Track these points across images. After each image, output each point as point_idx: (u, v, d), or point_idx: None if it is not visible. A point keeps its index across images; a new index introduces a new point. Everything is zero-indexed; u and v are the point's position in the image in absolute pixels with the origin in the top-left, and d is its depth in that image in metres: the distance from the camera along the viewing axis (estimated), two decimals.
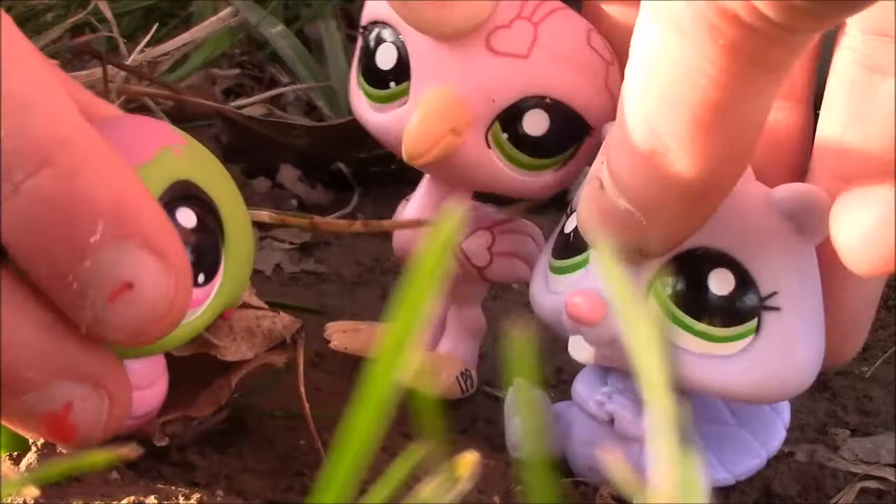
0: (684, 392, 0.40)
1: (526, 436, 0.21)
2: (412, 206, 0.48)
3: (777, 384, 0.39)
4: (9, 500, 0.36)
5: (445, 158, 0.43)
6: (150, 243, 0.32)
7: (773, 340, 0.38)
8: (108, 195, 0.32)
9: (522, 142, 0.43)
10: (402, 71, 0.44)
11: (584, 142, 0.44)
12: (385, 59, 0.44)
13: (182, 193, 0.37)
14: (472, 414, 0.48)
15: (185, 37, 0.70)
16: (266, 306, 0.45)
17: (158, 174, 0.36)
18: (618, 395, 0.41)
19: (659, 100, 0.34)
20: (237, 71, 0.78)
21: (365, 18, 0.45)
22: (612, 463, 0.22)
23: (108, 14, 0.68)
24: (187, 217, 0.37)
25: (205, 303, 0.38)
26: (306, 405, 0.42)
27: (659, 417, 0.19)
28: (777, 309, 0.38)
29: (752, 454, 0.42)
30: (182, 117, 0.67)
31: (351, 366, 0.49)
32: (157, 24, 0.71)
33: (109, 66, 0.61)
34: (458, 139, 0.42)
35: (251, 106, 0.72)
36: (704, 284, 0.38)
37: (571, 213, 0.42)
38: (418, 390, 0.21)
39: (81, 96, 0.39)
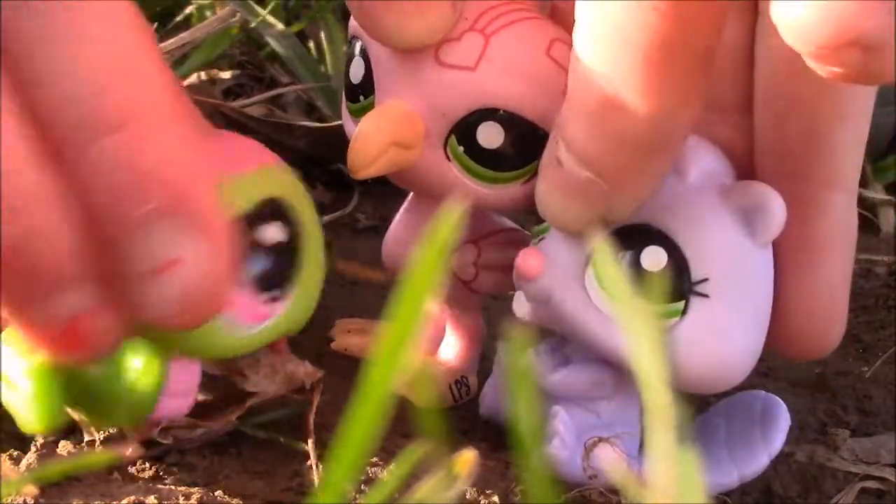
0: (612, 361, 0.41)
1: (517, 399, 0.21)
2: (401, 216, 0.48)
3: (696, 371, 0.39)
4: (9, 500, 0.36)
5: (404, 172, 0.43)
6: (202, 226, 0.33)
7: (697, 326, 0.39)
8: (170, 172, 0.32)
9: (480, 155, 0.42)
10: (369, 84, 0.43)
11: None
12: (355, 72, 0.44)
13: (274, 209, 0.38)
14: (472, 414, 0.48)
15: (184, 36, 0.70)
16: (290, 353, 0.45)
17: (258, 185, 0.38)
18: (544, 352, 0.43)
19: (612, 45, 0.35)
20: (237, 71, 0.78)
21: (349, 32, 0.45)
22: (610, 462, 0.23)
23: None
24: (275, 232, 0.38)
25: (267, 320, 0.38)
26: (311, 442, 0.42)
27: (657, 417, 0.19)
28: (705, 296, 0.39)
29: (724, 474, 0.42)
30: None
31: (351, 365, 0.49)
32: (156, 23, 0.71)
33: None
34: (407, 153, 0.42)
35: (251, 106, 0.72)
36: (637, 259, 0.39)
37: None
38: (410, 398, 0.21)
39: None
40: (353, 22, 0.44)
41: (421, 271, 0.20)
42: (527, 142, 0.42)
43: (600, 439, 0.41)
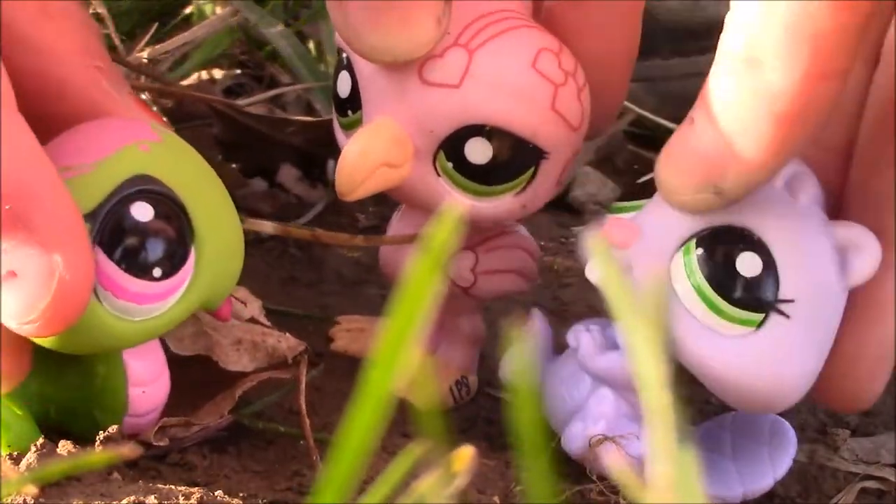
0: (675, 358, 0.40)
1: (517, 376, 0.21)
2: (395, 226, 0.48)
3: (756, 386, 0.39)
4: (9, 500, 0.36)
5: (395, 190, 0.42)
6: (37, 236, 0.34)
7: (770, 342, 0.39)
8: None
9: (468, 170, 0.42)
10: (356, 99, 0.43)
11: (541, 165, 0.43)
12: (342, 87, 0.44)
13: (140, 187, 0.38)
14: (473, 414, 0.48)
15: (184, 36, 0.70)
16: (272, 326, 0.45)
17: (116, 168, 0.37)
18: (596, 332, 0.42)
19: (761, 10, 0.35)
20: (237, 70, 0.78)
21: (335, 43, 0.45)
22: (613, 461, 0.23)
23: (105, 13, 0.68)
24: (143, 211, 0.37)
25: (170, 297, 0.38)
26: (307, 424, 0.42)
27: (657, 419, 0.19)
28: (786, 315, 0.39)
29: (729, 488, 0.42)
30: (181, 117, 0.67)
31: (351, 365, 0.49)
32: (156, 23, 0.71)
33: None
34: (395, 172, 0.42)
35: (251, 106, 0.72)
36: (733, 260, 0.39)
37: None
38: (410, 399, 0.21)
39: (98, 91, 0.40)
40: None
41: (419, 275, 0.20)
42: (515, 155, 0.42)
43: (605, 438, 0.41)
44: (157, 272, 0.38)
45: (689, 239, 0.40)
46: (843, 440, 0.49)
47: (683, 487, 0.19)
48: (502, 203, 0.43)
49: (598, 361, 0.42)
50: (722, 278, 0.39)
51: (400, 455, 0.22)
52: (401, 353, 0.20)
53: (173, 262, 0.38)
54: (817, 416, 0.51)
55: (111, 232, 0.37)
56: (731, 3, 0.37)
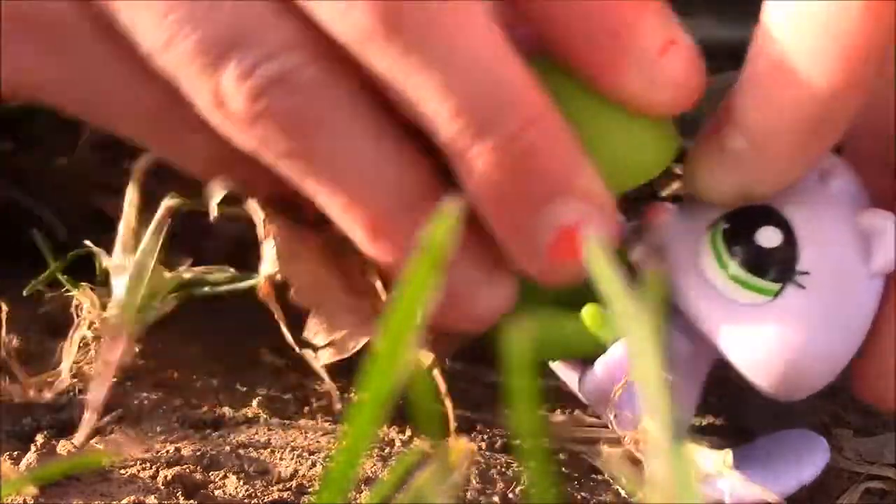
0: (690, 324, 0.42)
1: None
2: None
3: (773, 354, 0.40)
4: (9, 500, 0.36)
5: None
6: (591, 197, 0.38)
7: (785, 311, 0.40)
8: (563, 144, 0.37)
9: None
10: None
11: None
12: None
13: None
14: (472, 413, 0.48)
15: None
16: None
17: None
18: None
19: (793, 24, 0.37)
20: None
21: None
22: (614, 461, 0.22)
23: None
24: None
25: None
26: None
27: (656, 416, 0.19)
28: (802, 286, 0.40)
29: (785, 482, 0.42)
30: None
31: (351, 365, 0.49)
32: None
33: None
34: None
35: None
36: (754, 232, 0.41)
37: None
38: (411, 397, 0.21)
39: None
40: None
41: (419, 270, 0.20)
42: None
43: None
44: None
45: (719, 219, 0.42)
46: (846, 440, 0.48)
47: (681, 485, 0.19)
48: None
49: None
50: (741, 247, 0.41)
51: (400, 455, 0.22)
52: (400, 351, 0.20)
53: None
54: (819, 416, 0.51)
55: None
56: (765, 19, 0.37)
